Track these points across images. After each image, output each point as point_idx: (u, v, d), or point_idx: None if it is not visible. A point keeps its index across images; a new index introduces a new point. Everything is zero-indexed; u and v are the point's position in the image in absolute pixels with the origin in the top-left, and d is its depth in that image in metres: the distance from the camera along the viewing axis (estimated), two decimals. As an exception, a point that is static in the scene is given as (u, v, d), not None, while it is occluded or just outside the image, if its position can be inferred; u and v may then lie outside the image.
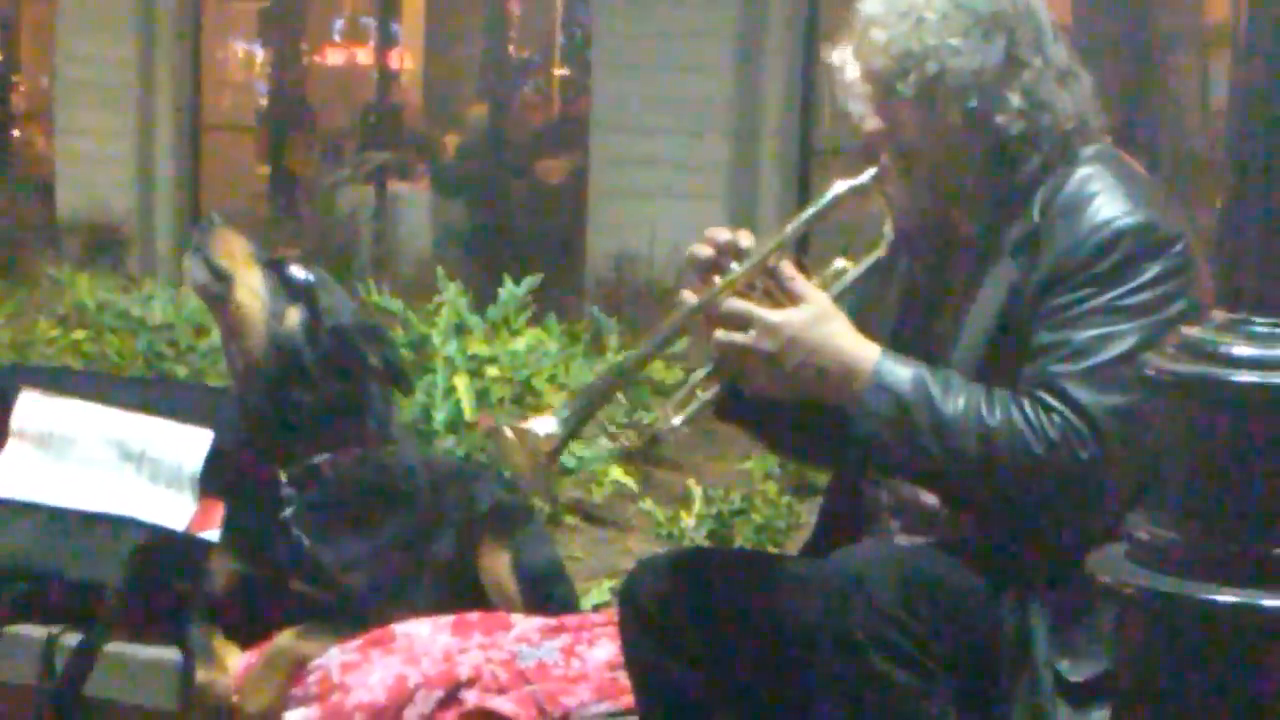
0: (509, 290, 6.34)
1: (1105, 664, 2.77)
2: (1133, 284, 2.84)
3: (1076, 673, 2.83)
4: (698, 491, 5.39)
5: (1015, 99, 2.94)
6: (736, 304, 2.92)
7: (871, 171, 3.03)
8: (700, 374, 3.01)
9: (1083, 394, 2.79)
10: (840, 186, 3.04)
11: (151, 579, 4.03)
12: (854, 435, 2.90)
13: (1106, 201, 2.90)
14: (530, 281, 6.39)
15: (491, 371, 5.94)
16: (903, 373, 2.87)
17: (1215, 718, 2.33)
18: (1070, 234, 2.89)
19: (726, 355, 2.93)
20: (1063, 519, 2.83)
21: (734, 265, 2.95)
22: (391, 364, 3.90)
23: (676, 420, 3.03)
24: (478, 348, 6.03)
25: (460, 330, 6.13)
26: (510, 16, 14.26)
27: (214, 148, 14.34)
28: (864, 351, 2.90)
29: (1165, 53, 10.44)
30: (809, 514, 5.09)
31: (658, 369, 6.34)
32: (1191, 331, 2.42)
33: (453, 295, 6.22)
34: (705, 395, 3.02)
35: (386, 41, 14.56)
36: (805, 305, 2.91)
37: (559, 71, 15.45)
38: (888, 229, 3.07)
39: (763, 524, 5.16)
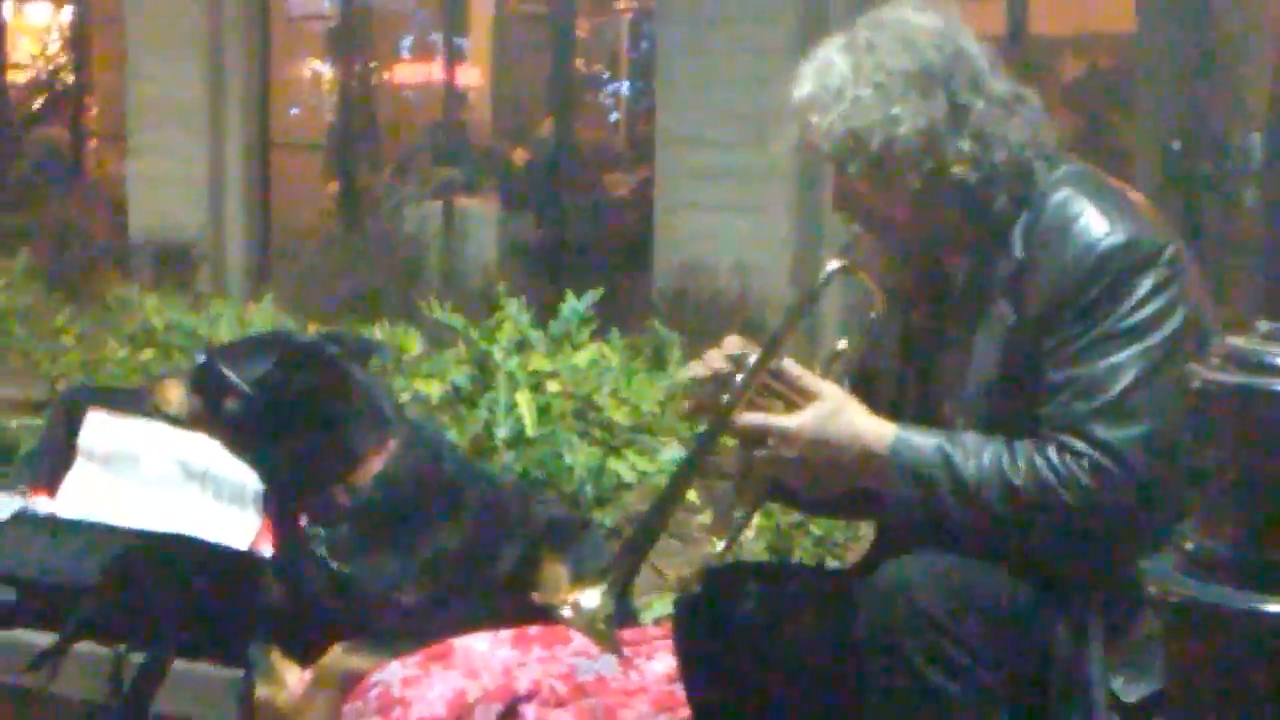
0: (570, 305, 6.35)
1: (1158, 684, 2.74)
2: (1128, 305, 2.81)
3: (1130, 693, 2.83)
4: (757, 504, 5.38)
5: (967, 145, 2.90)
6: (751, 418, 2.92)
7: (842, 262, 3.00)
8: (731, 497, 3.03)
9: (1105, 432, 2.77)
10: (823, 274, 3.02)
11: (214, 597, 4.06)
12: (890, 511, 2.93)
13: (1086, 225, 2.86)
14: (591, 296, 6.39)
15: (553, 387, 5.95)
16: (921, 445, 2.87)
17: (1264, 727, 2.32)
18: (1056, 264, 2.86)
19: (752, 471, 2.96)
20: (1107, 554, 2.81)
21: (737, 378, 2.94)
22: (346, 383, 3.89)
23: (721, 546, 3.04)
24: (539, 363, 6.04)
25: (522, 346, 6.14)
26: (577, 32, 14.28)
27: (283, 166, 14.42)
28: (880, 432, 2.90)
29: (1231, 58, 10.36)
30: (867, 527, 5.09)
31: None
32: (1237, 341, 2.41)
33: (514, 311, 6.24)
34: (741, 516, 3.05)
35: (454, 58, 14.60)
36: (818, 402, 2.91)
37: (625, 86, 15.48)
38: (877, 302, 3.05)
39: (821, 536, 5.16)
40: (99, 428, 4.64)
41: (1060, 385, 2.82)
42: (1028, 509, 2.78)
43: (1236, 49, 10.45)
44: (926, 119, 2.89)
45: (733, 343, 2.99)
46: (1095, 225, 2.86)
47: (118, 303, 8.65)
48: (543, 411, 5.72)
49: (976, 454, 2.83)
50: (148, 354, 7.15)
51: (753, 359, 2.95)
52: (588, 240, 12.73)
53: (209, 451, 4.49)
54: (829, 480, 2.93)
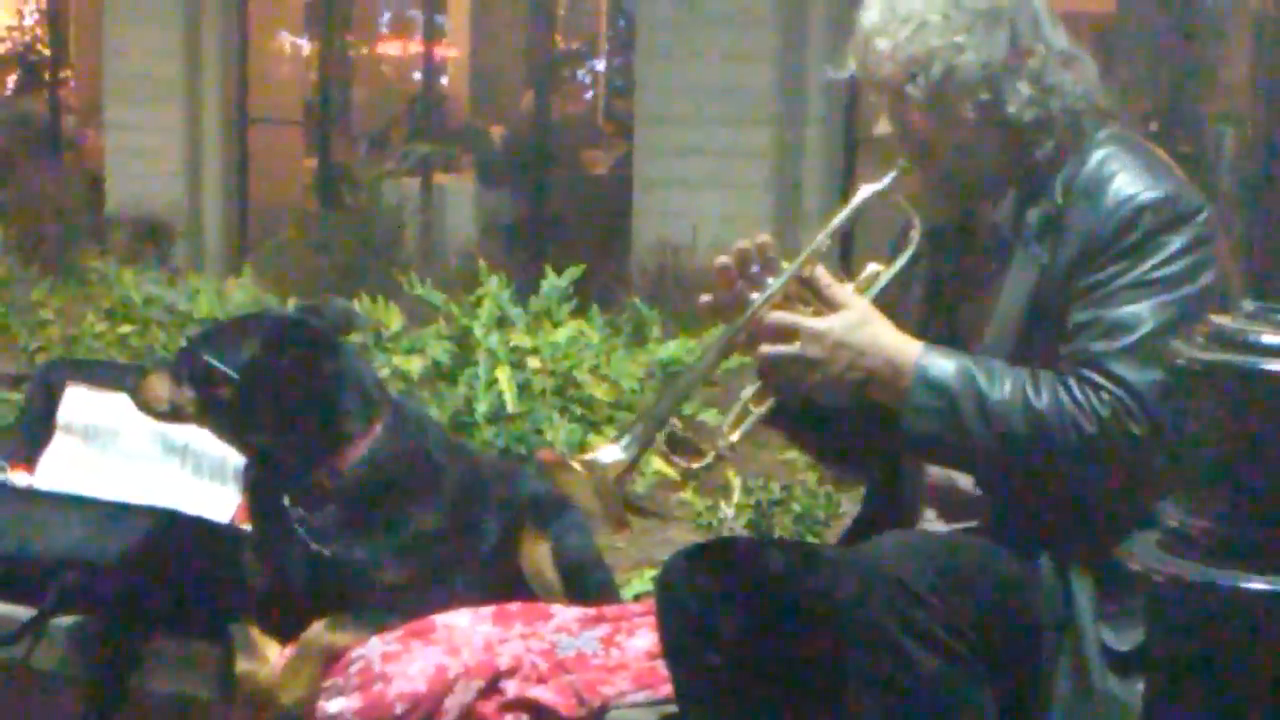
0: (550, 282, 6.35)
1: (1150, 633, 2.78)
2: (1160, 257, 2.87)
3: (1121, 642, 2.85)
4: (737, 482, 5.40)
5: (1024, 87, 2.98)
6: (781, 316, 2.95)
7: (891, 175, 3.06)
8: (750, 390, 3.03)
9: (1127, 371, 2.81)
10: (864, 192, 3.07)
11: (194, 571, 4.06)
12: (904, 431, 2.93)
13: (1127, 179, 2.93)
14: (572, 273, 6.40)
15: (533, 363, 5.95)
16: (947, 365, 2.90)
17: (1246, 703, 2.33)
18: (1094, 212, 2.92)
19: (775, 367, 2.96)
20: (1115, 494, 2.85)
21: (769, 280, 2.98)
22: (328, 363, 3.84)
23: (734, 438, 3.03)
24: (519, 339, 6.04)
25: (502, 322, 6.15)
26: (555, 8, 14.27)
27: (260, 141, 14.39)
28: (907, 349, 2.93)
29: (1209, 39, 10.38)
30: (848, 504, 5.11)
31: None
32: (1222, 320, 2.42)
33: (494, 288, 6.24)
34: (758, 411, 3.03)
35: (432, 34, 14.59)
36: (846, 311, 2.95)
37: (604, 62, 15.47)
38: (915, 231, 3.08)
39: (801, 514, 5.17)
40: (79, 402, 4.63)
41: (1085, 325, 2.88)
42: (1046, 435, 2.82)
43: (1215, 30, 10.48)
44: (988, 53, 2.97)
45: (765, 242, 3.01)
46: (1136, 179, 2.93)
47: (96, 277, 8.63)
48: (523, 388, 5.73)
49: (1001, 378, 2.87)
50: (126, 328, 7.14)
51: (785, 262, 2.98)
52: (566, 217, 12.73)
53: (189, 427, 4.49)
54: (847, 390, 2.95)
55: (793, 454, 5.81)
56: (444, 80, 15.41)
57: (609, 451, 2.93)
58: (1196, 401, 2.41)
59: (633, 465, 2.96)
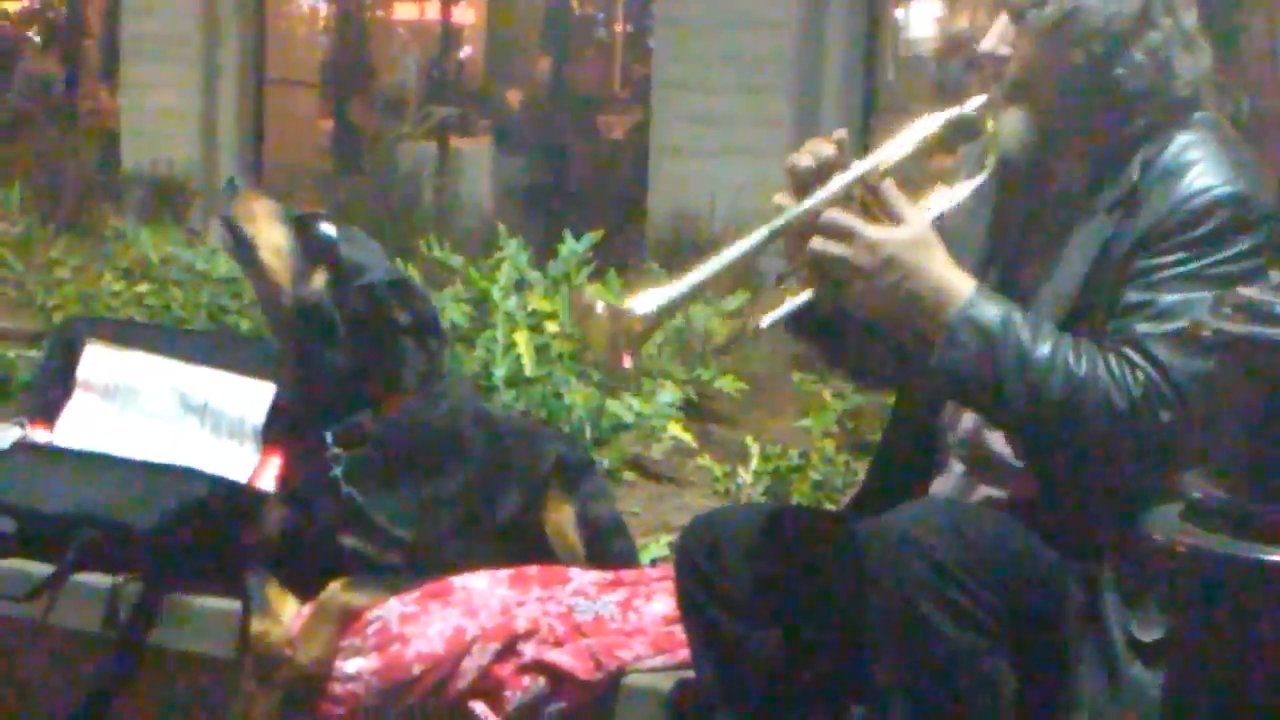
0: (569, 246, 6.33)
1: (1176, 624, 2.78)
2: (1224, 254, 2.86)
3: (1147, 633, 2.84)
4: (755, 448, 5.40)
5: (1139, 55, 2.96)
6: (840, 215, 2.91)
7: (981, 99, 3.05)
8: (791, 280, 2.98)
9: (1167, 356, 2.81)
10: (950, 112, 3.06)
11: (213, 530, 4.06)
12: (936, 364, 2.90)
13: (1206, 170, 2.91)
14: (591, 237, 6.38)
15: (551, 327, 5.95)
16: (994, 310, 2.88)
17: (1266, 676, 2.33)
18: (1168, 197, 2.90)
19: (822, 266, 2.92)
20: (1135, 476, 2.84)
21: (835, 175, 2.95)
22: (422, 318, 3.85)
23: (765, 322, 2.97)
24: (538, 303, 6.04)
25: (520, 286, 6.14)
26: (573, -29, 14.25)
27: (277, 102, 14.37)
28: (959, 282, 2.91)
29: (1234, 9, 10.33)
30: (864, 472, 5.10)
31: (713, 324, 6.35)
32: (1248, 292, 2.42)
33: (513, 251, 6.24)
34: (794, 301, 2.97)
35: (450, -3, 14.56)
36: (906, 226, 2.91)
37: (622, 27, 15.43)
38: (990, 160, 3.08)
39: (820, 481, 5.17)
40: (98, 360, 4.64)
41: (1135, 305, 2.88)
42: (1078, 402, 2.81)
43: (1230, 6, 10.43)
44: (1117, 7, 2.95)
45: (843, 136, 2.99)
46: (1214, 172, 2.91)
47: (113, 235, 8.63)
48: (540, 352, 5.72)
49: (1045, 336, 2.86)
50: (144, 287, 7.13)
51: (853, 164, 2.95)
52: (581, 183, 12.71)
53: (209, 385, 4.50)
54: (888, 307, 2.92)
55: (809, 421, 5.80)
56: (461, 44, 15.37)
57: (642, 302, 2.84)
58: (1222, 373, 2.42)
59: (659, 322, 2.89)
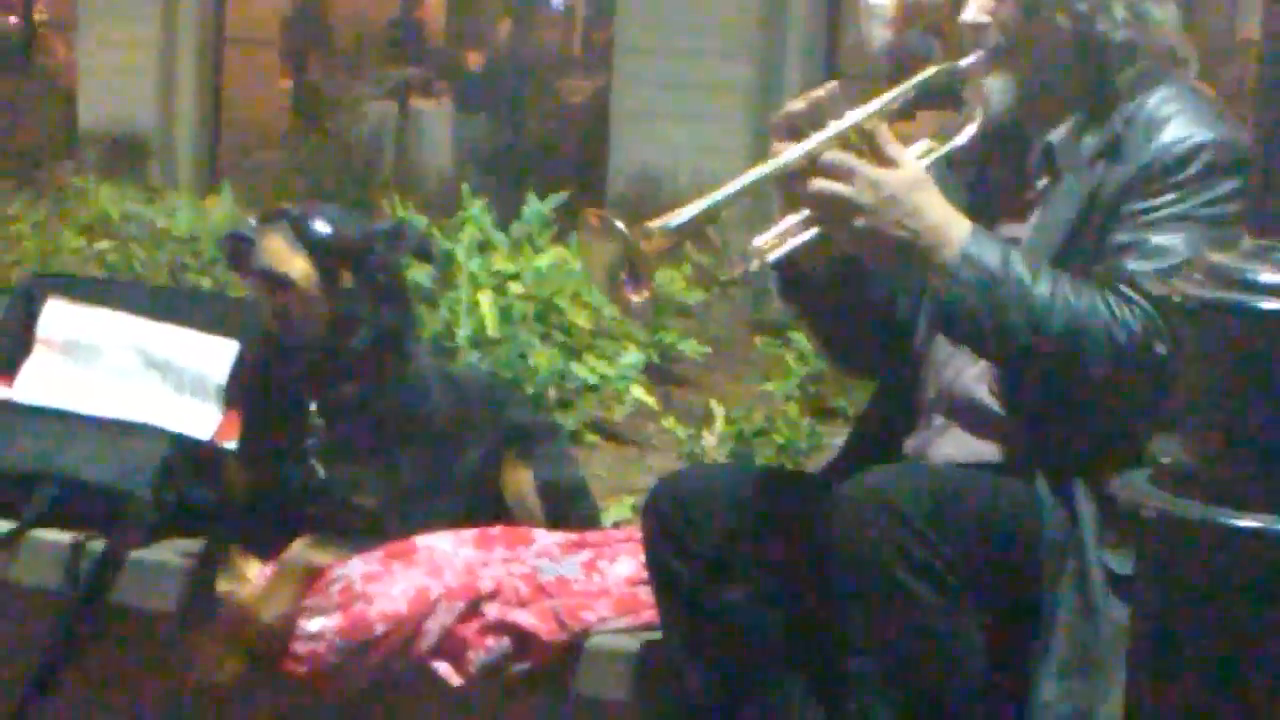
0: (533, 207, 6.33)
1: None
2: (1211, 195, 2.93)
3: (1123, 566, 2.85)
4: (719, 411, 5.41)
5: (1119, 10, 3.03)
6: (841, 155, 2.92)
7: (974, 56, 3.08)
8: (794, 218, 2.98)
9: (1162, 292, 2.82)
10: (943, 66, 3.10)
11: (175, 487, 4.05)
12: (939, 302, 2.94)
13: (1188, 119, 2.98)
14: (556, 199, 6.38)
15: (515, 288, 5.95)
16: (993, 248, 2.91)
17: (1232, 640, 2.34)
18: (1152, 144, 2.97)
19: (823, 206, 2.92)
20: (1128, 409, 2.88)
21: (831, 122, 2.95)
22: (427, 252, 3.93)
23: (771, 257, 2.97)
24: (502, 264, 6.04)
25: (484, 247, 6.14)
26: (536, -67, 14.19)
27: (236, 61, 14.28)
28: (958, 223, 2.93)
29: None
30: (830, 436, 5.12)
31: (681, 289, 6.36)
32: (1219, 258, 2.42)
33: (477, 211, 6.23)
34: (802, 235, 2.97)
35: (411, -44, 14.49)
36: (902, 169, 2.93)
37: (584, -10, 15.38)
38: (977, 115, 3.09)
39: (784, 444, 5.18)
40: (58, 316, 4.60)
41: (1125, 246, 2.93)
42: (1080, 334, 2.85)
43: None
44: None
45: (835, 88, 3.00)
46: (1199, 119, 2.99)
47: (73, 192, 8.58)
48: (504, 313, 5.72)
49: (1043, 274, 2.89)
50: (104, 244, 7.10)
51: (852, 110, 2.97)
52: (543, 145, 12.68)
53: (170, 341, 4.47)
54: (887, 247, 2.92)
55: (773, 385, 5.81)
56: (422, 4, 15.30)
57: (665, 219, 2.86)
58: (1193, 339, 2.42)
59: (669, 246, 2.90)
